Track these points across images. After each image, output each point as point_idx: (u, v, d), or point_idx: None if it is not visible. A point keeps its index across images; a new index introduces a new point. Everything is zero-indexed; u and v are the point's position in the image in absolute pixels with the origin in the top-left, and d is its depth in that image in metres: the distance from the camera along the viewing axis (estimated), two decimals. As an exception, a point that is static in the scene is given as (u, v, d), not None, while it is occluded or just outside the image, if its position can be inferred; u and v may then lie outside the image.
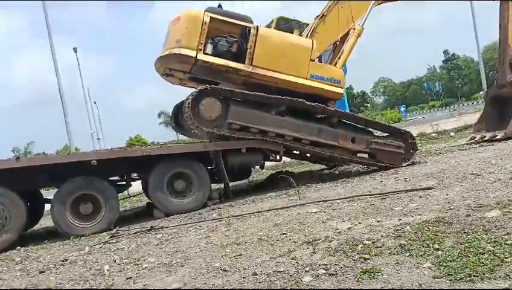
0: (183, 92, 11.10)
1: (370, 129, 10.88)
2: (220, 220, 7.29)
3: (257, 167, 11.37)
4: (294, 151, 11.23)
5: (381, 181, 8.68)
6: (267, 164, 12.09)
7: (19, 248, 7.55)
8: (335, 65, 10.64)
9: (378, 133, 11.33)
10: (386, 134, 11.00)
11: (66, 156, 9.34)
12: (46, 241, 7.88)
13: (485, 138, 12.22)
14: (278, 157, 10.47)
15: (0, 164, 8.01)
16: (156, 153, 8.92)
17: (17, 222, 7.84)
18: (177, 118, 11.46)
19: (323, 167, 12.94)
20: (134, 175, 9.53)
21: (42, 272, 5.66)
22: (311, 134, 9.92)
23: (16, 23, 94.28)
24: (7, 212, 7.75)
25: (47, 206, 9.70)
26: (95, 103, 42.12)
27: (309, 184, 9.73)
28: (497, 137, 11.85)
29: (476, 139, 12.57)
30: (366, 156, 10.55)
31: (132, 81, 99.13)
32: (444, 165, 9.13)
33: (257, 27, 9.67)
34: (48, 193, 9.79)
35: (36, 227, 10.29)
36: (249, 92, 9.49)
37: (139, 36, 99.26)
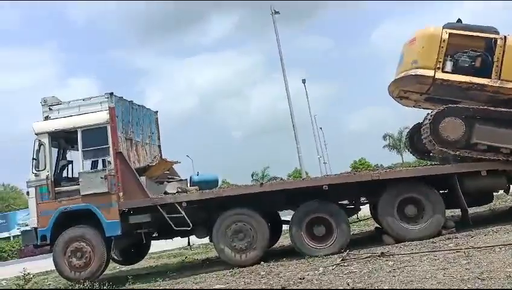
0: (409, 113, 10.76)
1: None
2: (458, 251, 6.64)
3: (500, 191, 10.06)
4: None
5: None
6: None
7: (262, 263, 8.39)
8: None
9: None
10: None
11: (302, 181, 10.05)
12: (284, 258, 8.50)
13: None
14: None
15: (248, 189, 9.17)
16: (385, 177, 8.74)
17: (262, 241, 8.73)
18: (413, 141, 11.01)
19: None
20: (362, 199, 9.52)
21: (283, 288, 6.08)
22: None
23: (252, 61, 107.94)
24: (254, 231, 8.70)
25: (284, 227, 10.58)
26: (320, 128, 44.22)
27: None
28: None
29: None
30: None
31: (355, 105, 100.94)
32: None
33: (505, 37, 8.81)
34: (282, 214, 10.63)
35: (275, 246, 11.17)
36: (496, 109, 8.57)
37: (359, 60, 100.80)
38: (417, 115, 10.69)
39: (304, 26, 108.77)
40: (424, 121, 8.89)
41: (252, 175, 51.22)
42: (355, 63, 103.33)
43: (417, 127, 10.18)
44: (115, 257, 10.70)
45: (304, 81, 39.13)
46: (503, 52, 8.68)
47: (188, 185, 10.84)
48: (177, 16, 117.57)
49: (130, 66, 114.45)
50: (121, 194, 8.90)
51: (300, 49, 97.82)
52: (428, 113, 8.90)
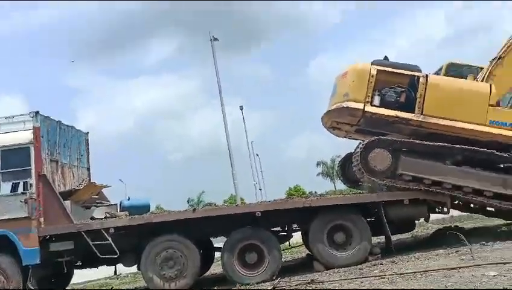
0: (343, 142, 11.17)
1: None
2: (383, 278, 6.81)
3: (421, 219, 10.49)
4: (473, 205, 10.19)
5: None
6: (433, 217, 11.01)
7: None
8: (517, 109, 9.58)
9: None
10: None
11: (235, 208, 10.01)
12: (215, 287, 8.34)
13: None
14: (445, 210, 9.58)
15: (180, 215, 8.94)
16: (316, 205, 8.91)
17: (193, 268, 8.52)
18: (344, 169, 11.37)
19: (498, 222, 11.37)
20: (295, 226, 9.61)
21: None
22: (494, 185, 8.96)
23: (192, 87, 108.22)
24: (185, 259, 8.48)
25: (216, 254, 10.41)
26: (257, 155, 44.55)
27: (484, 242, 8.60)
28: None
29: None
30: None
31: (290, 133, 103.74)
32: None
33: (426, 75, 9.40)
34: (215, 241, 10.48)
35: (206, 273, 10.88)
36: (421, 142, 9.08)
37: (297, 89, 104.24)
38: (350, 144, 11.08)
39: (245, 54, 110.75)
40: (355, 151, 9.25)
41: (188, 201, 50.39)
42: (293, 92, 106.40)
43: (349, 157, 10.52)
44: (32, 288, 9.95)
45: (241, 107, 39.33)
46: (425, 89, 9.23)
47: (118, 210, 10.44)
48: (117, 38, 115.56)
49: (63, 84, 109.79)
50: (41, 219, 8.38)
51: (241, 76, 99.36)
52: (359, 144, 9.27)
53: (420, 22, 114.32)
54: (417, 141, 9.12)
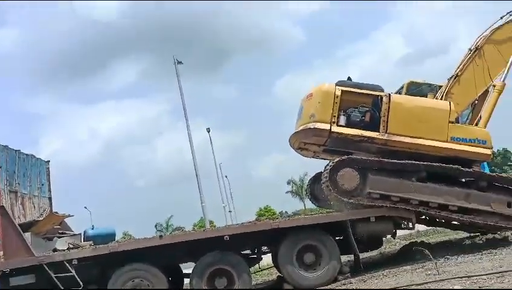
0: (312, 161, 11.19)
1: None
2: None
3: (388, 236, 10.66)
4: (438, 219, 10.38)
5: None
6: (400, 232, 11.25)
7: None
8: (476, 125, 9.98)
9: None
10: None
11: (203, 233, 9.83)
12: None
13: None
14: (410, 225, 9.78)
15: (146, 242, 8.69)
16: (285, 226, 8.88)
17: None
18: (314, 189, 11.44)
19: (463, 235, 11.68)
20: (264, 248, 9.55)
21: None
22: (458, 200, 9.21)
23: (158, 111, 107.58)
24: (152, 287, 8.21)
25: (185, 280, 10.16)
26: (226, 177, 44.37)
27: (448, 256, 8.75)
28: None
29: None
30: None
31: (259, 152, 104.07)
32: None
33: (389, 95, 9.64)
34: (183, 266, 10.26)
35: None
36: (389, 160, 9.24)
37: (264, 109, 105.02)
38: (319, 163, 11.13)
39: (212, 75, 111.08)
40: (324, 170, 9.32)
41: (156, 226, 49.52)
42: (261, 112, 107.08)
43: (318, 176, 10.59)
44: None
45: (208, 130, 39.36)
46: (389, 108, 9.46)
47: (82, 240, 10.11)
48: (80, 64, 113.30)
49: (25, 111, 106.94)
50: (1, 253, 7.98)
51: (208, 97, 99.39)
52: (327, 164, 9.34)
53: (381, 41, 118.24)
54: (384, 160, 9.27)
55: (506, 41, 10.12)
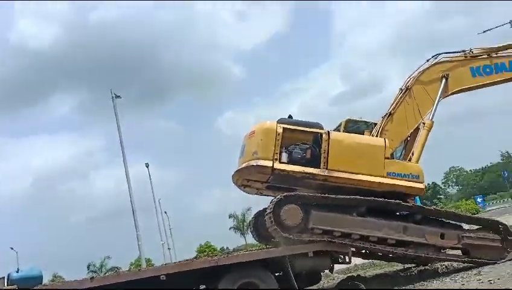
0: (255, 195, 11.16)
1: (458, 223, 10.38)
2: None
3: (327, 271, 10.74)
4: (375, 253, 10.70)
5: (462, 284, 8.05)
6: (339, 267, 11.41)
7: None
8: (409, 160, 10.49)
9: (467, 226, 10.66)
10: (477, 227, 10.45)
11: (137, 273, 9.33)
12: None
13: None
14: (347, 259, 9.99)
15: (75, 285, 8.17)
16: (224, 263, 8.68)
17: None
18: (257, 225, 11.37)
19: (399, 267, 12.13)
20: (203, 287, 9.32)
21: None
22: (396, 233, 9.56)
23: (96, 145, 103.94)
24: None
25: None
26: (165, 212, 43.17)
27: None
28: None
29: None
30: (458, 252, 10.03)
31: (201, 187, 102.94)
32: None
33: (328, 132, 9.94)
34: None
35: None
36: (330, 196, 9.44)
37: (205, 144, 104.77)
38: (262, 197, 11.16)
39: (152, 110, 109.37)
40: (268, 207, 9.33)
41: (89, 266, 46.64)
42: (203, 147, 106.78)
43: (261, 213, 10.60)
44: None
45: (147, 165, 38.48)
46: (328, 145, 9.74)
47: (5, 284, 9.22)
48: (13, 95, 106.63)
49: None
50: None
51: (149, 132, 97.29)
52: (271, 200, 9.38)
53: (319, 79, 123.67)
54: (325, 195, 9.47)
55: (432, 82, 10.90)
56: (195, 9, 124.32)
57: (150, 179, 37.88)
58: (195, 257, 11.19)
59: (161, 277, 8.20)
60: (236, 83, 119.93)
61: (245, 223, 51.18)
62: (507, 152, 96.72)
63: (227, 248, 48.15)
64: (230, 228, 57.78)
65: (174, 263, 9.71)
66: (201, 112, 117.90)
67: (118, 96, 26.37)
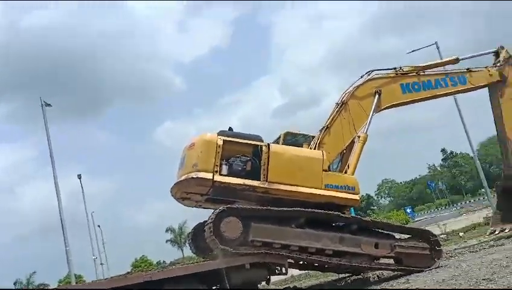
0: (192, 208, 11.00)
1: (391, 233, 10.73)
2: None
3: (263, 283, 10.71)
4: (315, 264, 10.87)
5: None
6: (276, 278, 11.48)
7: None
8: (345, 173, 10.78)
9: (398, 236, 11.04)
10: (408, 236, 10.92)
11: (64, 290, 8.85)
12: None
13: (506, 230, 12.52)
14: (283, 271, 10.08)
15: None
16: (158, 278, 8.41)
17: None
18: (196, 239, 11.22)
19: (333, 277, 12.44)
20: None
21: None
22: (333, 243, 9.75)
23: (25, 155, 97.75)
24: None
25: None
26: (99, 226, 41.35)
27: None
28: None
29: (496, 232, 12.81)
30: (391, 260, 10.36)
31: (136, 200, 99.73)
32: (456, 271, 8.87)
33: (268, 145, 10.03)
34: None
35: None
36: (269, 208, 9.48)
37: (142, 156, 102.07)
38: (199, 210, 11.01)
39: (87, 120, 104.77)
40: (208, 219, 9.20)
41: (15, 283, 43.73)
42: (140, 158, 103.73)
43: (199, 227, 10.48)
44: None
45: (79, 176, 36.89)
46: (268, 157, 9.83)
47: None
48: None
49: None
50: None
51: (83, 142, 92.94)
52: (212, 212, 9.26)
53: (259, 92, 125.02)
54: (264, 208, 9.52)
55: (366, 98, 11.38)
56: (135, 18, 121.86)
57: (83, 190, 36.43)
58: (129, 272, 10.72)
59: None
60: (177, 94, 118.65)
61: (182, 237, 50.27)
62: (433, 165, 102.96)
63: (163, 261, 46.96)
64: (167, 241, 56.66)
65: (106, 279, 9.22)
66: (139, 121, 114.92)
67: (48, 105, 25.26)
